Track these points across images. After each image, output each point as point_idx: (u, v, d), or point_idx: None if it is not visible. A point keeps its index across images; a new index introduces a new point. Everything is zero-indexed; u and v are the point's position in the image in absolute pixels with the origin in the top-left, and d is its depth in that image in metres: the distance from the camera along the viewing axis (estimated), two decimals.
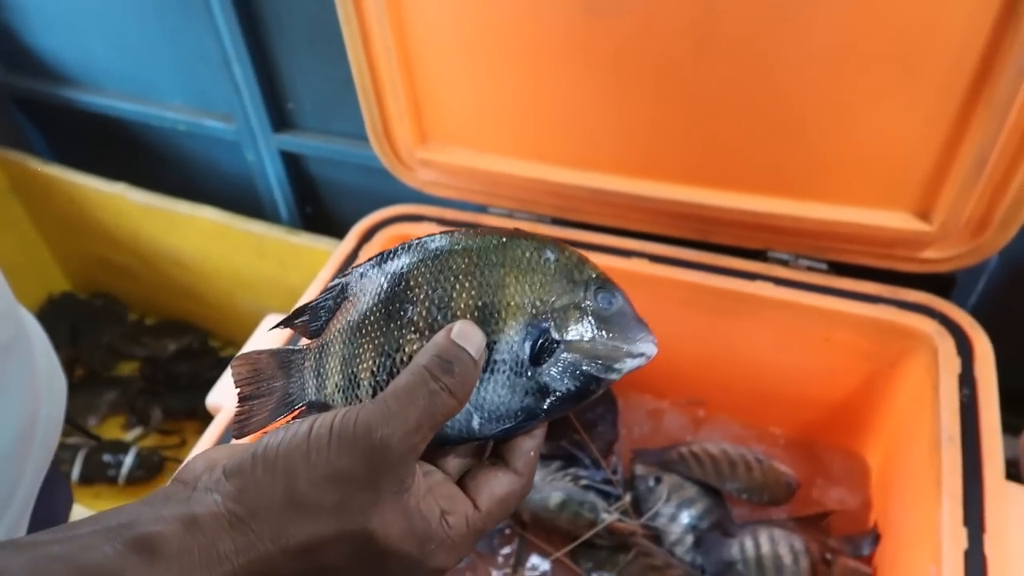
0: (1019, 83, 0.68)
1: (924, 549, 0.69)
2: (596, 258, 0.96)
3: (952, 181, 0.77)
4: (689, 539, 0.89)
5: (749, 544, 0.85)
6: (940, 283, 0.97)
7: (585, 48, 0.83)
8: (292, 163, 1.32)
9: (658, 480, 0.93)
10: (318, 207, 1.40)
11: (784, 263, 0.92)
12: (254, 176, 1.36)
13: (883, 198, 0.83)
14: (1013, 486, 0.71)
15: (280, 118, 1.27)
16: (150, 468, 1.24)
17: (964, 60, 0.70)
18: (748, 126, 0.82)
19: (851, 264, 0.90)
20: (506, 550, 0.93)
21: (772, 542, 0.86)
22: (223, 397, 0.86)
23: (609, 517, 0.87)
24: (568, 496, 0.89)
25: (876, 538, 0.85)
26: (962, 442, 0.72)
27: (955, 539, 0.65)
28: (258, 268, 1.25)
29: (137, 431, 1.34)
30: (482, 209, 1.05)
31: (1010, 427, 1.00)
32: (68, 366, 1.47)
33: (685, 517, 0.90)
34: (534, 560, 0.91)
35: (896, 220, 0.83)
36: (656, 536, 0.90)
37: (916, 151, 0.77)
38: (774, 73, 0.77)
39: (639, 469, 0.96)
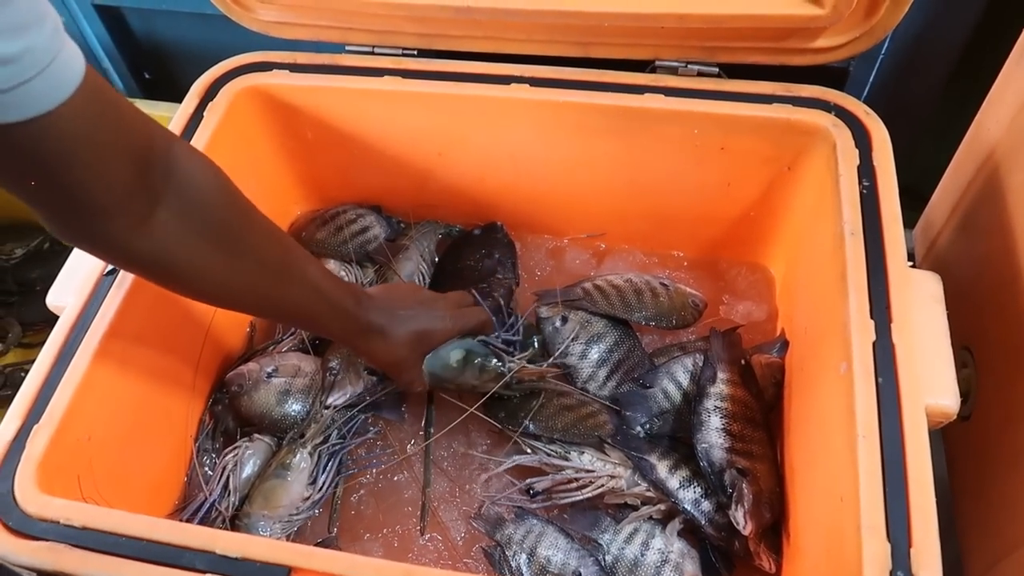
0: None
1: (833, 346, 0.67)
2: (472, 89, 0.87)
3: None
4: (601, 374, 0.86)
5: (671, 387, 0.83)
6: (833, 79, 0.93)
7: None
8: (112, 20, 1.13)
9: (564, 319, 0.89)
10: (158, 71, 1.22)
11: (673, 71, 0.84)
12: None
13: None
14: (916, 272, 0.69)
15: None
16: (17, 386, 1.12)
17: None
18: None
19: (743, 65, 0.83)
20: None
21: (689, 373, 0.83)
22: (64, 294, 0.75)
23: (516, 365, 0.83)
24: (469, 349, 0.83)
25: (784, 344, 0.85)
26: (864, 235, 0.70)
27: (863, 332, 0.64)
28: None
29: None
30: (339, 49, 0.93)
31: (904, 220, 1.01)
32: None
33: (595, 353, 0.87)
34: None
35: (787, 6, 0.76)
36: (568, 376, 0.87)
37: None
38: None
39: (543, 311, 0.91)
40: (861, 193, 0.72)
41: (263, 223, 0.63)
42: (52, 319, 0.74)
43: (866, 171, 0.74)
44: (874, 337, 0.63)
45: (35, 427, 0.67)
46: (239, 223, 0.61)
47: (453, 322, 0.80)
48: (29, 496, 0.63)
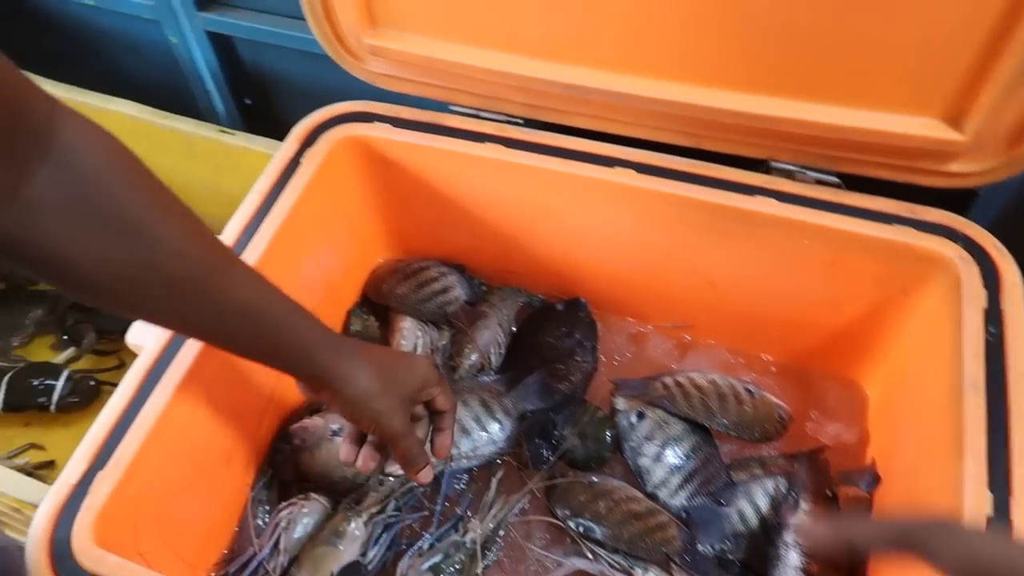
0: None
1: (940, 511, 0.61)
2: (574, 167, 0.84)
3: (993, 82, 0.65)
4: (674, 482, 0.81)
5: (749, 510, 0.78)
6: (958, 200, 0.86)
7: None
8: (222, 46, 1.14)
9: (640, 416, 0.85)
10: (259, 98, 1.23)
11: (789, 175, 0.80)
12: (180, 62, 1.18)
13: (909, 101, 0.71)
14: None
15: None
16: (84, 394, 1.12)
17: None
18: (751, 12, 0.69)
19: (864, 177, 0.79)
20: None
21: (769, 497, 0.78)
22: (144, 335, 0.74)
23: (474, 530, 0.78)
24: (431, 567, 0.77)
25: (875, 478, 0.79)
26: (987, 390, 0.64)
27: (978, 504, 0.58)
28: (189, 172, 1.10)
29: (69, 352, 1.22)
30: (443, 107, 0.91)
31: None
32: None
33: (670, 457, 0.82)
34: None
35: (922, 127, 0.71)
36: (639, 477, 0.83)
37: (954, 46, 0.65)
38: None
39: (620, 403, 0.87)
40: (986, 341, 0.67)
41: (185, 213, 0.51)
42: (128, 330, 0.74)
43: (993, 316, 0.68)
44: (991, 512, 0.58)
45: (99, 473, 0.66)
46: (144, 205, 0.48)
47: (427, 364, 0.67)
48: (85, 548, 0.62)
